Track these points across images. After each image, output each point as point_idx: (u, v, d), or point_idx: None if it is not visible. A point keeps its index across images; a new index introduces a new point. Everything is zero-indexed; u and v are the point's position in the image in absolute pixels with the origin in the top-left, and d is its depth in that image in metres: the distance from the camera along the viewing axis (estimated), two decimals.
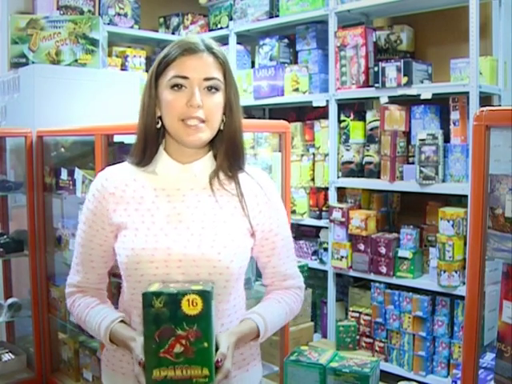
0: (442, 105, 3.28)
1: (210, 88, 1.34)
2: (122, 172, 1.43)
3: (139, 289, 1.32)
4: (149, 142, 1.40)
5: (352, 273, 3.56)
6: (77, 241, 1.46)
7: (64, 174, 2.98)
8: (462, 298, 3.01)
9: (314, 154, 3.81)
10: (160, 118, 1.38)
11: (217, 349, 1.22)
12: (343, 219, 3.53)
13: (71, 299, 1.46)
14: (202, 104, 1.32)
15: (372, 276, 3.44)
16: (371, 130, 3.55)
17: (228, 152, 1.41)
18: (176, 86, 1.33)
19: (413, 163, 3.24)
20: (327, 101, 3.62)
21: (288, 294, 1.50)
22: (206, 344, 1.19)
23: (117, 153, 2.64)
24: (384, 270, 3.36)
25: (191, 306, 1.19)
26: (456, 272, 3.04)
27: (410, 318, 3.25)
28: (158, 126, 1.39)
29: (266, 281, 1.52)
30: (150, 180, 1.41)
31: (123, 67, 4.39)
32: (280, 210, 1.50)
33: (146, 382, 1.19)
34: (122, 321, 1.36)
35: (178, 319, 1.18)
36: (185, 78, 1.32)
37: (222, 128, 1.39)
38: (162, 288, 1.22)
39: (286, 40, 4.10)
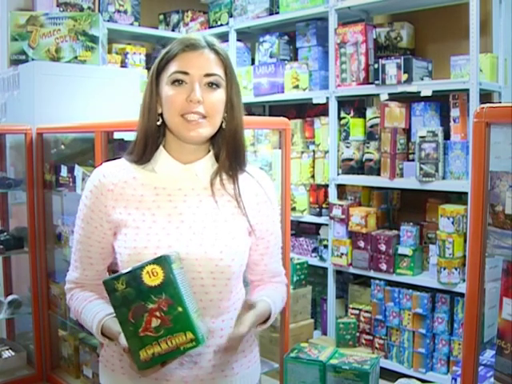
0: (442, 102, 3.27)
1: (210, 84, 1.33)
2: (120, 169, 1.41)
3: None
4: (149, 139, 1.39)
5: (352, 270, 3.56)
6: (75, 237, 1.44)
7: (64, 171, 2.98)
8: (461, 295, 3.00)
9: (314, 151, 3.82)
10: (160, 115, 1.38)
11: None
12: (343, 216, 3.53)
13: (69, 294, 1.46)
14: (202, 99, 1.31)
15: (372, 273, 3.44)
16: (371, 127, 3.55)
17: (229, 151, 1.40)
18: (176, 82, 1.32)
19: (413, 160, 3.24)
20: (327, 98, 3.62)
21: (278, 285, 1.53)
22: (180, 309, 1.18)
23: (116, 150, 2.64)
24: (384, 267, 3.36)
25: (152, 277, 1.18)
26: (456, 269, 3.04)
27: (409, 315, 3.25)
28: (159, 123, 1.38)
29: (254, 277, 1.53)
30: (150, 178, 1.39)
31: (123, 64, 4.39)
32: (276, 210, 1.52)
33: (137, 367, 1.18)
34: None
35: (145, 294, 1.18)
36: (185, 73, 1.32)
37: (223, 126, 1.39)
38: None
39: (286, 37, 4.10)
